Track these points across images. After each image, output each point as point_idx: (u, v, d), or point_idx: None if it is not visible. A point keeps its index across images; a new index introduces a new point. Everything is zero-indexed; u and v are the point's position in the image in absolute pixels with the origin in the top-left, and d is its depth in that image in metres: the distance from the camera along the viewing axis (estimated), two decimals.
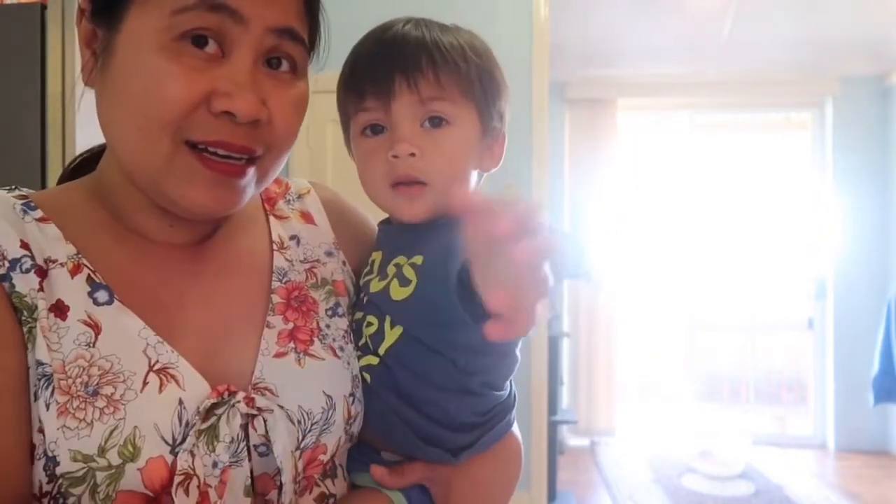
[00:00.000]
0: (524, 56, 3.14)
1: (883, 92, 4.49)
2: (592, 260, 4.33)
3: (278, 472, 0.59)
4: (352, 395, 0.66)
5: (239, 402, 0.57)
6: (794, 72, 4.55)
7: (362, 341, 0.69)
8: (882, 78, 4.47)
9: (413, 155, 0.66)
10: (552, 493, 3.25)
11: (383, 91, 0.66)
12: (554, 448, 3.31)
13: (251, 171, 0.59)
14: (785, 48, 4.20)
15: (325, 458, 0.63)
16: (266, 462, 0.59)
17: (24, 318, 0.54)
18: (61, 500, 0.52)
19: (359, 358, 0.69)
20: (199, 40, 0.55)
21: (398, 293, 0.66)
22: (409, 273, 0.67)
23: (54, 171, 1.83)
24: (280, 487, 0.59)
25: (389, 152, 0.67)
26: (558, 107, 4.53)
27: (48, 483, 0.52)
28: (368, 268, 0.73)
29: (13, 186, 0.63)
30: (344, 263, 0.74)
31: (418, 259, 0.67)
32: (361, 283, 0.73)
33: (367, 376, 0.68)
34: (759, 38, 4.05)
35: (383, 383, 0.67)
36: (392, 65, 0.66)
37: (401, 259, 0.68)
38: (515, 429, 0.74)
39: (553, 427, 3.29)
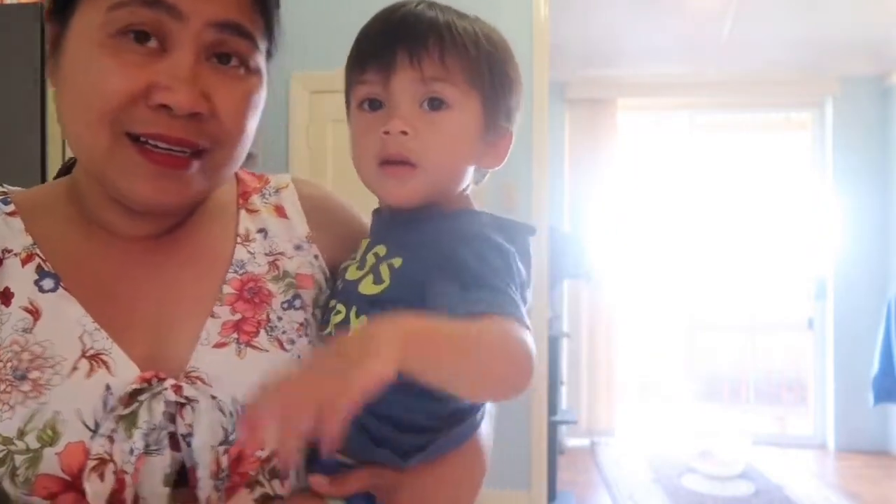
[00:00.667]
0: (524, 56, 3.14)
1: (883, 92, 4.50)
2: (592, 260, 4.33)
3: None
4: None
5: (166, 389, 0.57)
6: (794, 72, 4.55)
7: (327, 330, 0.66)
8: (882, 78, 4.47)
9: (405, 133, 0.63)
10: (552, 493, 3.25)
11: (384, 64, 0.64)
12: (554, 448, 3.31)
13: (196, 165, 0.59)
14: (785, 48, 4.20)
15: (262, 454, 0.61)
16: (194, 454, 0.58)
17: None
18: None
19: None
20: (140, 36, 0.56)
21: (369, 289, 0.64)
22: (384, 272, 0.64)
23: (54, 170, 1.83)
24: (219, 480, 0.58)
25: (382, 128, 0.64)
26: (558, 107, 4.53)
27: None
28: (354, 253, 0.70)
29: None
30: (316, 257, 0.72)
31: (397, 261, 0.64)
32: (341, 266, 0.70)
33: None
34: (759, 38, 4.05)
35: None
36: (397, 38, 0.64)
37: (380, 249, 0.66)
38: (485, 437, 0.69)
39: (553, 427, 3.29)
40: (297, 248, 0.72)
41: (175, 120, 0.56)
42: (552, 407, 3.26)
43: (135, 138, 0.57)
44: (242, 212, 0.71)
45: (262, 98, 0.64)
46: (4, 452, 0.53)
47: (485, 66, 0.67)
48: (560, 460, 3.71)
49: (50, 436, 0.54)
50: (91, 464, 0.53)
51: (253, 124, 0.63)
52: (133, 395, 0.56)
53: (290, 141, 3.12)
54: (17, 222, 0.62)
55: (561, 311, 4.41)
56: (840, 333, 4.50)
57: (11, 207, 0.63)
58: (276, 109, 3.11)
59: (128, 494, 0.55)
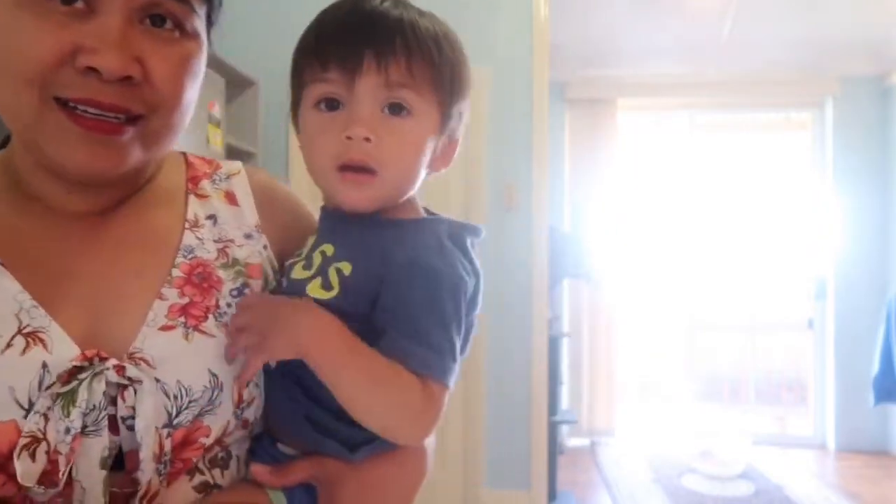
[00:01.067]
0: (524, 56, 3.15)
1: (883, 92, 4.50)
2: (592, 260, 4.33)
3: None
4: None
5: (108, 369, 0.55)
6: (794, 72, 4.55)
7: None
8: (882, 78, 4.47)
9: (368, 140, 0.62)
10: (552, 493, 3.25)
11: (350, 65, 0.62)
12: (554, 448, 3.31)
13: (131, 131, 0.57)
14: (785, 48, 4.20)
15: (206, 441, 0.60)
16: (134, 437, 0.56)
17: None
18: None
19: None
20: None
21: (318, 293, 0.63)
22: (333, 278, 0.63)
23: None
24: (162, 465, 0.57)
25: (344, 132, 0.62)
26: (558, 107, 4.53)
27: None
28: (300, 251, 0.69)
29: None
30: (265, 248, 0.71)
31: (346, 267, 0.63)
32: (287, 263, 0.69)
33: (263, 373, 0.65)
34: (759, 38, 4.06)
35: (284, 368, 0.63)
36: (365, 39, 0.61)
37: (327, 248, 0.66)
38: (429, 441, 0.69)
39: (553, 427, 3.29)
40: (247, 236, 0.70)
41: (106, 85, 0.54)
42: (552, 407, 3.26)
43: (64, 103, 0.54)
44: (192, 197, 0.69)
45: (201, 63, 0.61)
46: None
47: (447, 73, 0.66)
48: (560, 460, 3.70)
49: None
50: (23, 441, 0.51)
51: (192, 91, 0.60)
52: (72, 374, 0.54)
53: (289, 140, 3.12)
54: None
55: (561, 312, 4.41)
56: (840, 333, 4.50)
57: None
58: (275, 108, 3.11)
59: (61, 476, 0.52)
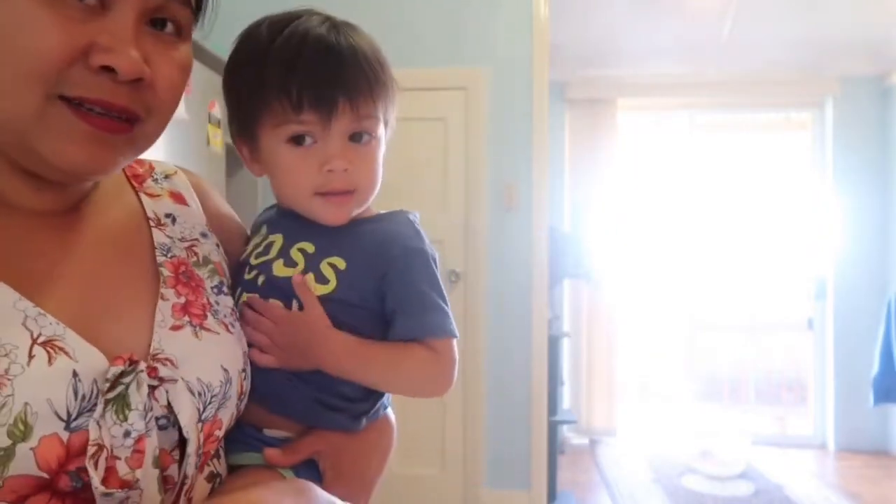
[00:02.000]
0: (524, 56, 3.15)
1: (883, 92, 4.50)
2: (592, 260, 4.33)
3: (177, 446, 0.58)
4: (243, 370, 0.66)
5: (143, 371, 0.55)
6: (794, 72, 4.55)
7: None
8: (882, 78, 4.47)
9: (346, 170, 0.71)
10: (552, 493, 3.25)
11: (325, 110, 0.69)
12: (554, 448, 3.31)
13: (131, 132, 0.56)
14: (785, 48, 4.20)
15: (220, 433, 0.62)
16: (165, 436, 0.57)
17: None
18: None
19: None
20: None
21: (315, 288, 0.70)
22: (327, 272, 0.71)
23: None
24: (179, 462, 0.57)
25: (325, 166, 0.70)
26: (558, 107, 4.53)
27: None
28: (262, 249, 0.74)
29: None
30: (217, 246, 0.73)
31: (339, 262, 0.71)
32: (255, 262, 0.73)
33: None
34: (759, 38, 4.06)
35: (281, 373, 0.70)
36: (337, 86, 0.69)
37: (306, 245, 0.73)
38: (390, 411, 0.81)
39: (553, 427, 3.29)
40: (203, 235, 0.72)
41: (119, 86, 0.53)
42: (552, 407, 3.26)
43: (68, 101, 0.52)
44: (142, 195, 0.69)
45: (192, 67, 0.61)
46: None
47: (390, 91, 0.75)
48: (560, 460, 3.71)
49: (22, 431, 0.48)
50: (91, 450, 0.50)
51: (182, 93, 0.60)
52: (117, 378, 0.53)
53: None
54: None
55: (561, 311, 4.42)
56: (840, 333, 4.50)
57: None
58: None
59: (117, 480, 0.52)
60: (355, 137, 0.72)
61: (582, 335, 4.68)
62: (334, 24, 0.72)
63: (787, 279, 4.99)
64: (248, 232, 0.82)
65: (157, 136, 0.60)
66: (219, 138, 2.70)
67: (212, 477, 0.64)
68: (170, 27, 0.57)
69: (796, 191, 4.88)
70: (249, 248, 0.76)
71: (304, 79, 0.69)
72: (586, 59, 4.41)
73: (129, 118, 0.55)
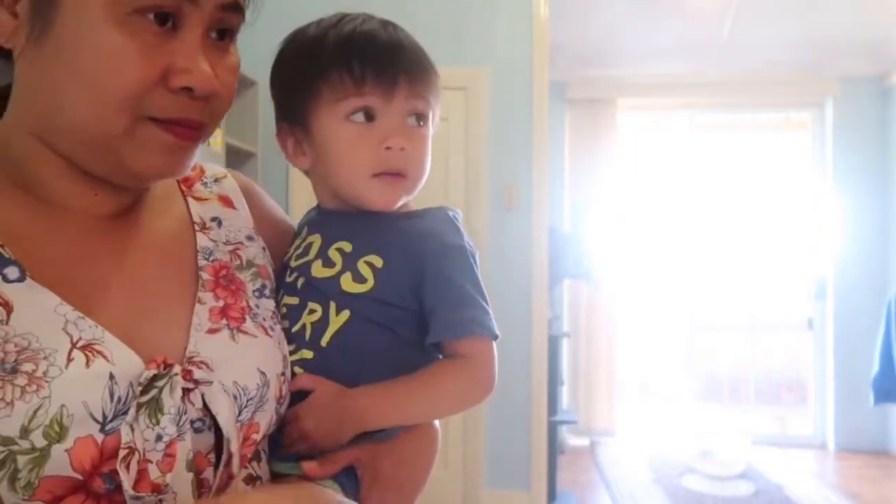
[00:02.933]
0: (524, 56, 3.14)
1: (883, 92, 4.50)
2: (592, 260, 4.33)
3: (213, 448, 0.58)
4: (283, 374, 0.66)
5: (177, 374, 0.55)
6: (794, 72, 4.55)
7: (297, 327, 0.70)
8: (882, 78, 4.47)
9: (404, 149, 0.71)
10: (552, 493, 3.25)
11: (387, 84, 0.70)
12: (554, 448, 3.31)
13: (202, 137, 0.60)
14: (785, 48, 4.20)
15: (257, 437, 0.63)
16: (200, 439, 0.57)
17: None
18: None
19: (290, 347, 0.70)
20: (161, 17, 0.54)
21: (352, 287, 0.69)
22: (364, 271, 0.70)
23: None
24: (216, 465, 0.58)
25: (383, 143, 0.70)
26: (558, 107, 4.53)
27: None
28: (302, 250, 0.74)
29: None
30: (264, 249, 0.73)
31: (376, 260, 0.70)
32: (294, 264, 0.73)
33: (301, 371, 0.69)
34: (759, 38, 4.06)
35: (321, 374, 0.69)
36: (398, 63, 0.71)
37: (344, 245, 0.72)
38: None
39: (553, 427, 3.29)
40: (249, 238, 0.72)
41: (194, 101, 0.56)
42: (552, 407, 3.26)
43: (156, 121, 0.56)
44: (190, 199, 0.70)
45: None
46: (5, 454, 0.48)
47: (438, 87, 0.76)
48: (560, 460, 3.70)
49: (57, 432, 0.49)
50: (122, 453, 0.51)
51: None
52: (150, 382, 0.54)
53: None
54: None
55: (561, 311, 4.42)
56: (840, 333, 4.50)
57: None
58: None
59: (148, 483, 0.53)
60: (412, 119, 0.73)
61: (581, 335, 4.68)
62: (384, 21, 0.75)
63: (787, 279, 5.00)
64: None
65: (211, 134, 0.63)
66: (219, 138, 2.70)
67: (251, 479, 0.63)
68: (227, 36, 0.60)
69: (796, 191, 4.88)
70: (291, 249, 0.76)
71: (366, 54, 0.70)
72: (586, 59, 4.42)
73: (202, 128, 0.59)
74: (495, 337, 0.72)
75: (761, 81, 4.62)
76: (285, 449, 0.68)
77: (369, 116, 0.71)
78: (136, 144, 0.55)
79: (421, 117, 0.73)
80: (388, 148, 0.70)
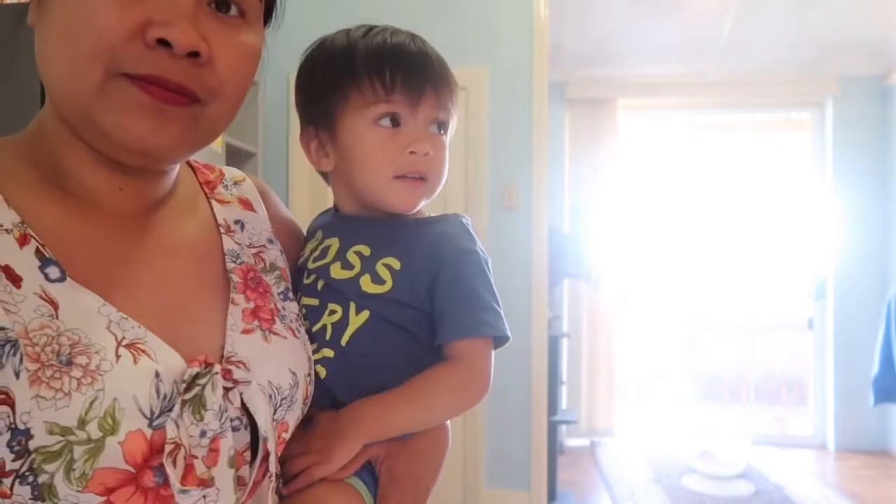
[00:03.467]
0: (524, 56, 3.14)
1: (883, 92, 4.50)
2: (592, 260, 4.33)
3: (248, 447, 0.59)
4: (309, 374, 0.68)
5: (217, 373, 0.57)
6: (793, 71, 4.55)
7: (318, 327, 0.73)
8: (882, 78, 4.47)
9: (427, 154, 0.75)
10: (552, 494, 3.25)
11: (414, 93, 0.74)
12: (554, 448, 3.31)
13: (192, 110, 0.56)
14: (785, 48, 4.21)
15: (286, 436, 0.64)
16: (237, 437, 0.58)
17: None
18: (31, 479, 0.48)
19: (312, 347, 0.72)
20: None
21: (372, 288, 0.73)
22: (383, 273, 0.73)
23: None
24: (251, 462, 0.59)
25: (407, 148, 0.74)
26: (558, 107, 4.53)
27: (15, 460, 0.47)
28: (319, 253, 0.77)
29: None
30: (281, 252, 0.75)
31: (394, 262, 0.73)
32: (312, 266, 0.76)
33: (323, 370, 0.72)
34: (759, 38, 4.06)
35: (341, 374, 0.72)
36: (425, 75, 0.75)
37: (362, 248, 0.75)
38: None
39: (553, 427, 3.29)
40: (269, 241, 0.74)
41: (175, 61, 0.53)
42: (552, 407, 3.26)
43: (130, 77, 0.53)
44: (213, 201, 0.71)
45: (260, 53, 0.61)
46: (62, 444, 0.48)
47: (458, 99, 0.81)
48: (560, 460, 3.71)
49: (111, 425, 0.50)
50: (168, 448, 0.52)
51: (249, 83, 0.60)
52: (193, 380, 0.55)
53: (289, 141, 3.12)
54: None
55: (561, 312, 4.41)
56: (840, 333, 4.50)
57: None
58: (276, 109, 3.11)
59: (195, 478, 0.54)
60: (434, 126, 0.77)
61: (582, 335, 4.68)
62: (412, 34, 0.79)
63: (787, 279, 5.00)
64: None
65: (225, 121, 0.60)
66: (219, 138, 2.70)
67: (271, 477, 0.65)
68: (234, 10, 0.57)
69: (796, 191, 4.88)
70: (306, 252, 0.78)
71: (397, 64, 0.74)
72: (586, 59, 4.42)
73: (188, 95, 0.55)
74: (505, 338, 0.75)
75: (761, 81, 4.62)
76: (291, 486, 0.69)
77: (395, 122, 0.75)
78: (109, 103, 0.53)
79: (442, 125, 0.78)
80: (412, 152, 0.74)
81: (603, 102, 4.71)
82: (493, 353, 0.76)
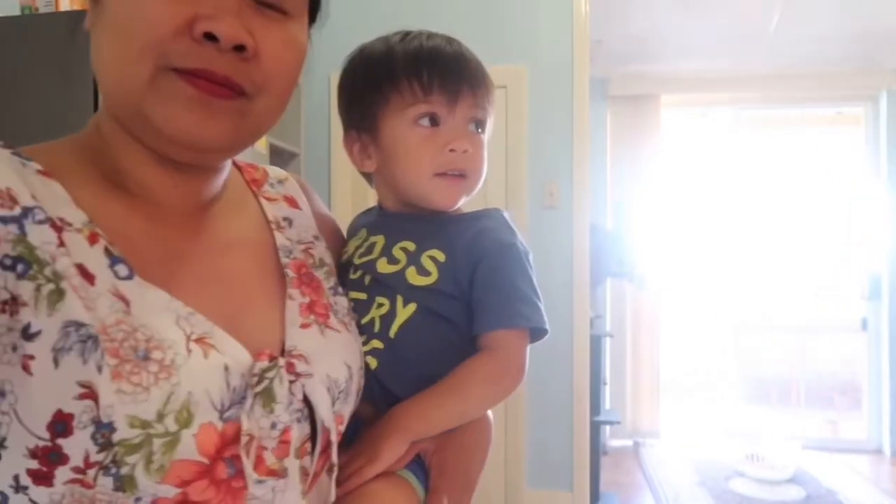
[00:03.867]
0: (565, 53, 3.12)
1: None
2: (636, 258, 4.27)
3: (308, 439, 0.60)
4: (362, 368, 0.70)
5: (282, 367, 0.58)
6: (845, 65, 4.40)
7: (366, 320, 0.75)
8: None
9: (466, 152, 0.77)
10: (595, 494, 3.21)
11: (452, 92, 0.76)
12: (597, 448, 3.27)
13: (239, 103, 0.57)
14: (835, 41, 4.07)
15: (342, 428, 0.65)
16: (300, 429, 0.60)
17: (30, 272, 0.49)
18: (113, 470, 0.49)
19: (361, 339, 0.74)
20: None
21: (418, 280, 0.75)
22: (428, 265, 0.75)
23: None
24: (311, 453, 0.61)
25: (447, 146, 0.76)
26: (600, 104, 4.49)
27: (99, 452, 0.49)
28: (365, 249, 0.79)
29: None
30: (327, 248, 0.76)
31: (439, 255, 0.75)
32: (359, 262, 0.78)
33: (374, 361, 0.73)
34: (808, 31, 3.94)
35: (391, 364, 0.74)
36: (462, 74, 0.77)
37: (408, 244, 0.77)
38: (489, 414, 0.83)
39: (596, 427, 3.26)
40: (316, 237, 0.75)
41: (222, 55, 0.54)
42: (595, 407, 3.23)
43: (179, 72, 0.54)
44: (262, 199, 0.73)
45: (305, 49, 0.61)
46: (142, 437, 0.49)
47: (494, 100, 0.83)
48: (603, 461, 3.66)
49: (186, 418, 0.51)
50: (244, 439, 0.54)
51: (296, 76, 0.61)
52: (262, 373, 0.57)
53: (331, 141, 3.15)
54: (58, 188, 0.55)
55: (604, 311, 4.36)
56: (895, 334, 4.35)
57: (38, 166, 0.55)
58: (318, 109, 3.15)
59: (265, 468, 0.56)
60: (472, 125, 0.79)
61: (625, 335, 4.62)
62: (447, 37, 0.81)
63: (839, 278, 4.84)
64: (344, 233, 0.86)
65: (273, 117, 0.61)
66: (263, 138, 2.76)
67: (331, 468, 0.66)
68: (277, 7, 0.58)
69: (848, 187, 4.73)
70: (351, 249, 0.80)
71: (433, 66, 0.76)
72: (628, 55, 4.35)
73: (234, 88, 0.56)
74: (543, 331, 0.77)
75: (810, 75, 4.48)
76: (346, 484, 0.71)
77: (434, 122, 0.77)
78: (159, 97, 0.54)
79: (480, 124, 0.80)
80: (451, 150, 0.76)
81: (646, 99, 4.64)
82: (531, 346, 0.77)
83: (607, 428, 4.24)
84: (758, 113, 4.93)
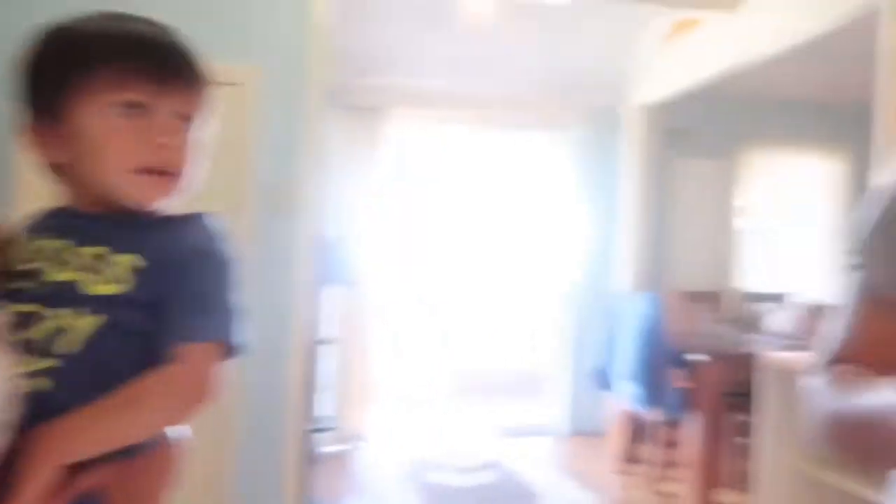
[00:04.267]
0: (297, 59, 3.07)
1: (617, 119, 5.11)
2: (356, 265, 4.40)
3: None
4: (16, 393, 0.63)
5: None
6: (548, 97, 4.97)
7: (37, 335, 0.67)
8: (615, 108, 5.09)
9: (169, 146, 0.71)
10: (306, 502, 3.26)
11: (159, 79, 0.70)
12: (308, 456, 3.32)
13: None
14: (538, 74, 4.61)
15: None
16: None
17: None
18: None
19: (27, 359, 0.65)
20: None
21: (103, 289, 0.67)
22: (117, 273, 0.68)
23: None
24: None
25: (157, 139, 0.70)
26: (330, 113, 4.52)
27: None
28: (39, 255, 0.71)
29: None
30: None
31: (130, 261, 0.69)
32: (29, 269, 0.70)
33: (46, 381, 0.65)
34: (519, 64, 4.40)
35: (71, 386, 0.65)
36: (170, 63, 0.71)
37: (97, 249, 0.69)
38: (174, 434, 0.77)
39: (308, 435, 3.30)
40: None
41: None
42: (308, 415, 3.27)
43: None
44: None
45: None
46: None
47: (208, 91, 0.77)
48: (318, 468, 3.73)
49: None
50: None
51: None
52: None
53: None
54: None
55: (317, 318, 4.41)
56: (576, 332, 5.09)
57: None
58: None
59: None
60: (178, 119, 0.72)
61: (342, 341, 4.71)
62: (153, 22, 0.74)
63: (541, 283, 5.51)
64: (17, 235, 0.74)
65: None
66: None
67: None
68: None
69: (546, 202, 5.40)
70: (24, 254, 0.71)
71: (141, 50, 0.70)
72: (360, 66, 4.47)
73: None
74: (229, 343, 0.71)
75: (523, 103, 4.97)
76: None
77: (137, 112, 0.70)
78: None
79: (187, 118, 0.73)
80: (158, 145, 0.70)
81: (375, 111, 4.78)
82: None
83: (318, 434, 4.30)
84: (478, 132, 5.38)
